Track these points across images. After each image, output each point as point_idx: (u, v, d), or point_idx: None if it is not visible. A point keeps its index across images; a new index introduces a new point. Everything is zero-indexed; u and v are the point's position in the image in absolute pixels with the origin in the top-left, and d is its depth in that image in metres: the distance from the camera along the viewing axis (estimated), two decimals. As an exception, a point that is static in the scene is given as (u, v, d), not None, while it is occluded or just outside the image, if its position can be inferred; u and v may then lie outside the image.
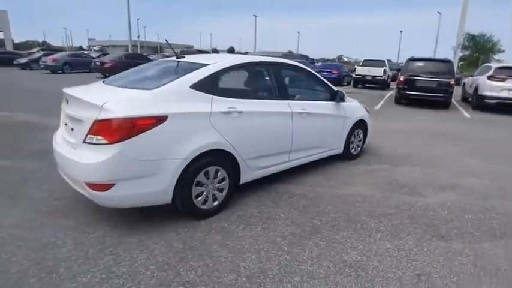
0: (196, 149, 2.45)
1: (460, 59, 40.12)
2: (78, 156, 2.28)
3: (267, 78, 3.24)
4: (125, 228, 2.50)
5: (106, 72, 16.64)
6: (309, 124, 3.51)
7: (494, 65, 10.03)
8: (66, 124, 2.64)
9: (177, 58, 3.08)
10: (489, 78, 9.66)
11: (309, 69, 3.84)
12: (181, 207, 2.53)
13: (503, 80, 9.39)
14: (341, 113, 4.05)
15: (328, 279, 2.04)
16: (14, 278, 1.93)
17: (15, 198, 2.92)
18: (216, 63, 2.82)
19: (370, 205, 3.12)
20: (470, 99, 11.30)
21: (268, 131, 3.08)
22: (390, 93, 14.09)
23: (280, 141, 3.24)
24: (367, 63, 17.04)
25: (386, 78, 16.85)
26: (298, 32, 59.93)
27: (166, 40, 3.15)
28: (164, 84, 2.49)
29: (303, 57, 22.89)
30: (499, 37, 46.35)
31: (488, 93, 9.62)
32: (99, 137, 2.19)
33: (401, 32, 50.11)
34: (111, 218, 2.62)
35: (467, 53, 42.63)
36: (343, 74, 19.01)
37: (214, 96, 2.64)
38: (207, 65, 2.77)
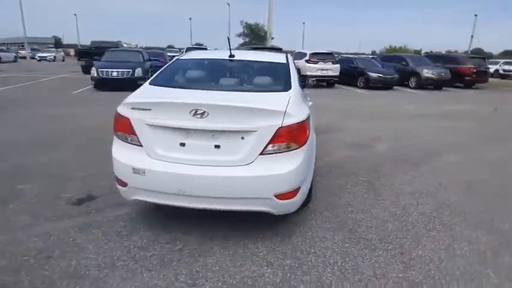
0: (314, 140, 2.82)
1: (241, 46, 49.32)
2: (258, 170, 2.14)
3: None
4: (278, 240, 2.49)
5: None
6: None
7: (308, 51, 13.83)
8: (183, 145, 2.20)
9: (229, 57, 3.02)
10: (307, 61, 13.33)
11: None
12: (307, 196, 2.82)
13: (317, 62, 13.28)
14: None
15: (421, 201, 3.17)
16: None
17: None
18: (285, 58, 3.16)
19: (366, 159, 4.46)
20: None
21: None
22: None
23: None
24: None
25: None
26: (75, 15, 51.26)
27: (228, 38, 2.87)
28: (291, 86, 2.63)
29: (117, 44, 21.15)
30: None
31: (309, 73, 13.28)
32: (287, 144, 2.17)
33: (190, 19, 54.13)
34: (253, 235, 2.51)
35: (247, 39, 52.44)
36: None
37: (305, 91, 3.00)
38: (282, 62, 3.05)
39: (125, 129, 2.29)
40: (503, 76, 23.13)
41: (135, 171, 2.23)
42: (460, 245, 2.46)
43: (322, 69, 13.35)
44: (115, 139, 2.40)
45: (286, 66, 3.01)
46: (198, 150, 2.19)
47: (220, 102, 2.20)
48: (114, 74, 10.57)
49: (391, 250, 2.39)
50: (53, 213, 2.77)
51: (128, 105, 2.27)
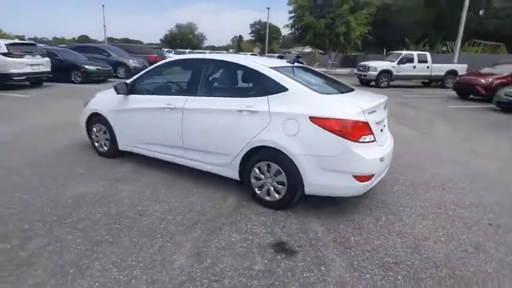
0: None
1: None
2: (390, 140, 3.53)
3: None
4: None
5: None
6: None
7: (2, 42, 10.27)
8: (381, 131, 3.27)
9: (292, 62, 3.77)
10: (7, 55, 10.16)
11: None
12: None
13: (22, 56, 10.50)
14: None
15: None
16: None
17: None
18: None
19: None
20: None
21: None
22: None
23: None
24: None
25: None
26: None
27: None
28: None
29: None
30: None
31: (14, 71, 10.32)
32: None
33: None
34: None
35: None
36: None
37: None
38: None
39: (366, 132, 2.93)
40: None
41: (381, 159, 3.04)
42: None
43: (33, 65, 10.85)
44: (355, 145, 2.84)
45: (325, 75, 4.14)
46: (381, 132, 3.26)
47: (381, 101, 3.30)
48: None
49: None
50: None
51: (366, 111, 2.92)
